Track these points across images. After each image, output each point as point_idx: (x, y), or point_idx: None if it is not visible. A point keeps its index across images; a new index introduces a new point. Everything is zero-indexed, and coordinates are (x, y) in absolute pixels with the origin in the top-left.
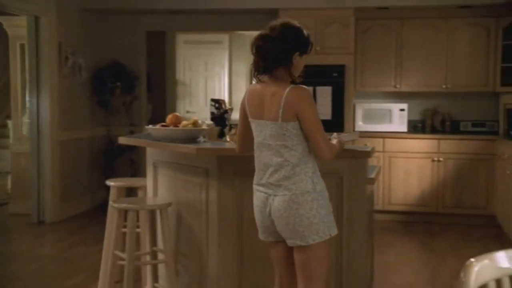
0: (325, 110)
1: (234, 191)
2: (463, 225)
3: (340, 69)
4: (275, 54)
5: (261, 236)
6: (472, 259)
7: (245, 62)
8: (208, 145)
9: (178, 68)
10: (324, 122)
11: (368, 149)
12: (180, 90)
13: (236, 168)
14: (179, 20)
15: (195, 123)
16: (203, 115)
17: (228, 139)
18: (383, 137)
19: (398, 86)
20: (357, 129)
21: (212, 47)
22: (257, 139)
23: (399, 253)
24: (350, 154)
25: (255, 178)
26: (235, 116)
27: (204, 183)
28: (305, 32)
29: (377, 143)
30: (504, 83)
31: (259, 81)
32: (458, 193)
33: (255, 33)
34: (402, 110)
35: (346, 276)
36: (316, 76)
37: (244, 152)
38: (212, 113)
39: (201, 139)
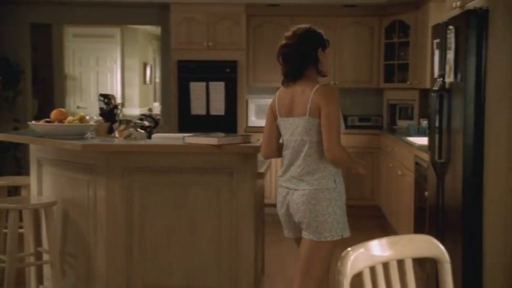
0: (218, 105)
1: (123, 188)
2: (351, 216)
3: (232, 65)
4: (303, 55)
5: (284, 233)
6: (349, 249)
7: (138, 57)
8: (95, 141)
9: (68, 63)
10: (217, 118)
11: (257, 144)
12: (70, 85)
13: (125, 164)
14: (66, 12)
15: (81, 119)
16: (94, 111)
17: (117, 135)
18: None
19: None
20: (250, 124)
21: (104, 41)
22: (285, 137)
23: (291, 246)
24: (239, 149)
25: (280, 174)
26: (128, 111)
27: (91, 180)
28: (317, 29)
29: None
30: (386, 80)
31: (288, 86)
32: (347, 185)
33: (147, 27)
34: None
35: (236, 269)
36: (208, 71)
37: (269, 154)
38: (101, 109)
39: (89, 135)
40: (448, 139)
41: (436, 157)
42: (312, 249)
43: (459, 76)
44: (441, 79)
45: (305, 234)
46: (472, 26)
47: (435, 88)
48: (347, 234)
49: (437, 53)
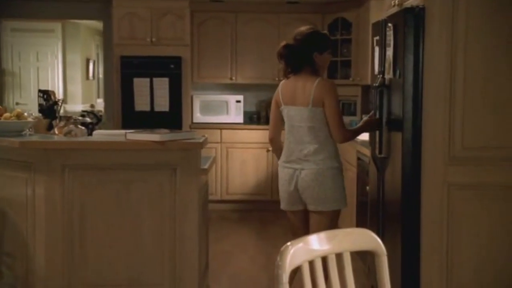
0: (162, 102)
1: (63, 186)
2: None
3: (176, 61)
4: (299, 58)
5: (284, 206)
6: (288, 243)
7: (80, 52)
8: (34, 138)
9: (6, 57)
10: (162, 114)
11: (200, 140)
12: (8, 81)
13: (65, 162)
14: (5, 6)
15: (19, 115)
16: (34, 107)
17: (56, 132)
18: (220, 128)
19: (234, 78)
20: (195, 121)
21: (44, 36)
22: (288, 123)
23: (236, 241)
24: (182, 146)
25: (283, 157)
26: (70, 108)
27: (30, 178)
28: (321, 32)
29: (215, 134)
30: (330, 76)
31: (288, 78)
32: None
33: (90, 22)
34: (238, 101)
35: (180, 265)
36: (152, 67)
37: (275, 136)
38: (40, 105)
39: (27, 132)
40: (388, 135)
41: (377, 152)
42: (320, 217)
43: (397, 72)
44: (381, 75)
45: (312, 208)
46: (410, 24)
47: (375, 84)
48: (345, 205)
49: (377, 50)
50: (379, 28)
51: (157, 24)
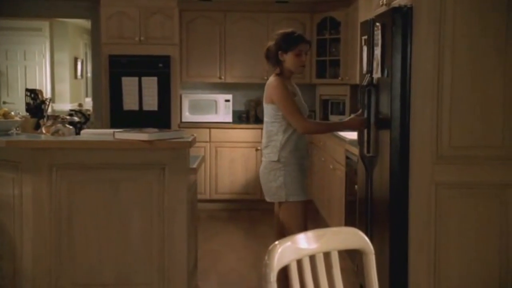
0: (151, 101)
1: (51, 186)
2: None
3: (165, 60)
4: (270, 57)
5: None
6: (276, 242)
7: (68, 51)
8: (21, 137)
9: None
10: (151, 113)
11: (189, 140)
12: None
13: (53, 161)
14: None
15: (5, 115)
16: (22, 107)
17: (44, 131)
18: (210, 128)
19: (223, 77)
20: (184, 120)
21: (31, 35)
22: None
23: (225, 240)
24: (171, 145)
25: None
26: (58, 107)
27: (17, 178)
28: (287, 32)
29: (204, 134)
30: (318, 76)
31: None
32: None
33: (78, 21)
34: (227, 101)
35: (168, 265)
36: (141, 66)
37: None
38: (27, 104)
39: (14, 131)
40: (376, 134)
41: (365, 151)
42: (281, 210)
43: (386, 72)
44: (369, 74)
45: (266, 198)
46: (398, 23)
47: (364, 83)
48: (294, 198)
49: (365, 49)
50: (367, 27)
51: (146, 23)
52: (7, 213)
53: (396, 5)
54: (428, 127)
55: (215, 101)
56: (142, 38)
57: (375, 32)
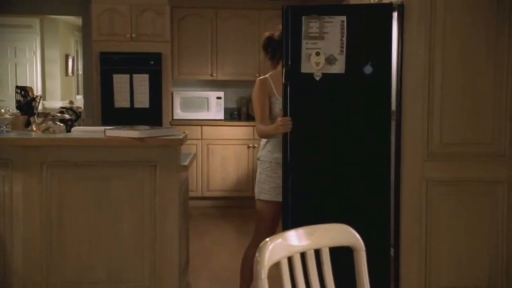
0: (142, 98)
1: (42, 183)
2: None
3: (156, 57)
4: (269, 47)
5: None
6: (267, 239)
7: (59, 48)
8: (11, 135)
9: None
10: (142, 110)
11: (180, 137)
12: None
13: (44, 159)
14: None
15: None
16: (12, 104)
17: (34, 129)
18: (201, 125)
19: (214, 74)
20: (175, 117)
21: (22, 32)
22: (278, 114)
23: (217, 238)
24: (162, 142)
25: None
26: (49, 104)
27: (7, 175)
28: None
29: (195, 131)
30: None
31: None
32: None
33: (69, 18)
34: (218, 98)
35: (160, 262)
36: (132, 63)
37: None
38: (18, 102)
39: (4, 129)
40: None
41: None
42: None
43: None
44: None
45: None
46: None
47: None
48: (264, 197)
49: None
50: None
51: (137, 20)
52: None
53: (387, 2)
54: (419, 125)
55: (207, 99)
56: (133, 35)
57: None
